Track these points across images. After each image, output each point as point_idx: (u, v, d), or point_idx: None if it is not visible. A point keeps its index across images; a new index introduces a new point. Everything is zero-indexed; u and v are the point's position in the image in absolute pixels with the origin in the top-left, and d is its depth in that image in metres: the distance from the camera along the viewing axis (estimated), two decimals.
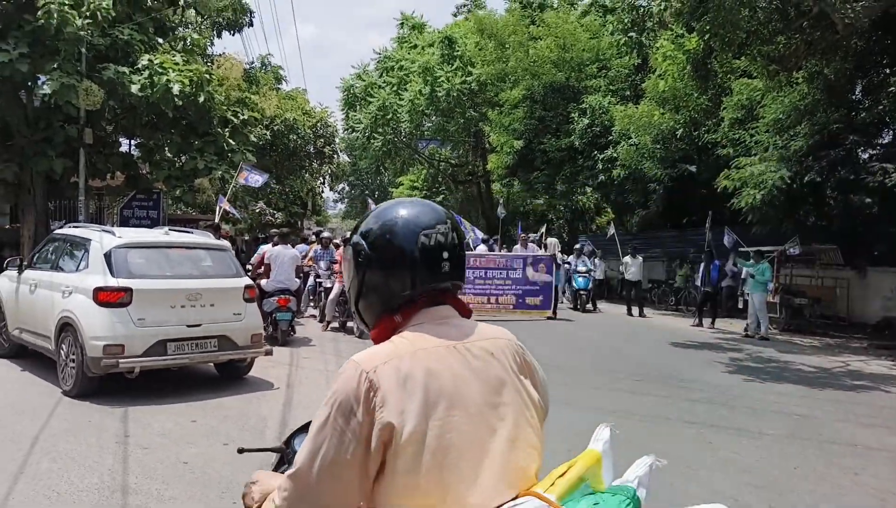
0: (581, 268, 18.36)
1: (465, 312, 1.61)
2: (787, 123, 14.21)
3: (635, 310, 17.46)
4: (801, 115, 13.96)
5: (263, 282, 10.65)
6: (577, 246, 20.63)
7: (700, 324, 15.36)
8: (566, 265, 18.80)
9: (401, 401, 1.32)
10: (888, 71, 13.55)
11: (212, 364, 7.84)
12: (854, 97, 14.68)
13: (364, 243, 1.54)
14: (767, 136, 14.57)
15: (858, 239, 15.24)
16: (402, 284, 1.50)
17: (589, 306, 18.27)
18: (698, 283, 16.02)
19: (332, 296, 12.13)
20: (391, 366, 1.37)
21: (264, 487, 1.67)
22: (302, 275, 14.66)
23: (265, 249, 11.84)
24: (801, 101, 13.97)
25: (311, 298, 14.29)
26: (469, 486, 1.32)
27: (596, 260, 20.59)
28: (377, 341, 1.52)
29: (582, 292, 18.19)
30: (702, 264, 15.66)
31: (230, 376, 7.84)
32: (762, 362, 10.73)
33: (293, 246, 13.07)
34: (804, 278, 15.76)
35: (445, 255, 1.51)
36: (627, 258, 17.82)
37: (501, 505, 1.30)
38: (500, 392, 1.44)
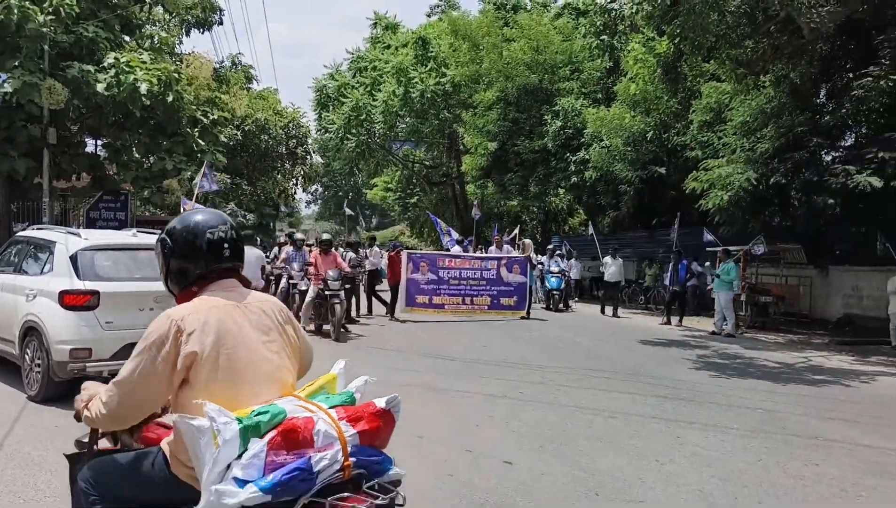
0: (554, 268, 18.51)
1: (246, 284, 2.38)
2: (754, 126, 14.50)
3: (609, 310, 17.54)
4: (768, 118, 14.25)
5: None
6: (550, 246, 20.76)
7: (668, 322, 15.60)
8: (539, 266, 18.94)
9: (200, 338, 2.06)
10: (851, 75, 13.87)
11: None
12: (818, 101, 15.02)
13: (169, 239, 2.34)
14: (735, 138, 14.85)
15: (821, 239, 15.60)
16: (195, 265, 2.28)
17: (561, 305, 18.40)
18: (667, 282, 16.26)
19: (307, 299, 11.94)
20: (193, 316, 2.11)
21: (91, 392, 2.30)
22: (273, 277, 14.64)
23: None
24: (767, 104, 14.26)
25: (285, 300, 14.14)
26: (248, 391, 2.09)
27: (571, 261, 20.81)
28: (180, 303, 2.25)
29: (555, 292, 18.32)
30: (670, 264, 15.90)
31: None
32: (728, 358, 10.94)
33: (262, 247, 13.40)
34: (769, 276, 16.10)
35: (226, 246, 2.28)
36: (608, 259, 17.84)
37: (269, 401, 2.05)
38: (268, 334, 2.24)
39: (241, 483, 1.81)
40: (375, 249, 16.71)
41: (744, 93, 14.10)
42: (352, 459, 1.98)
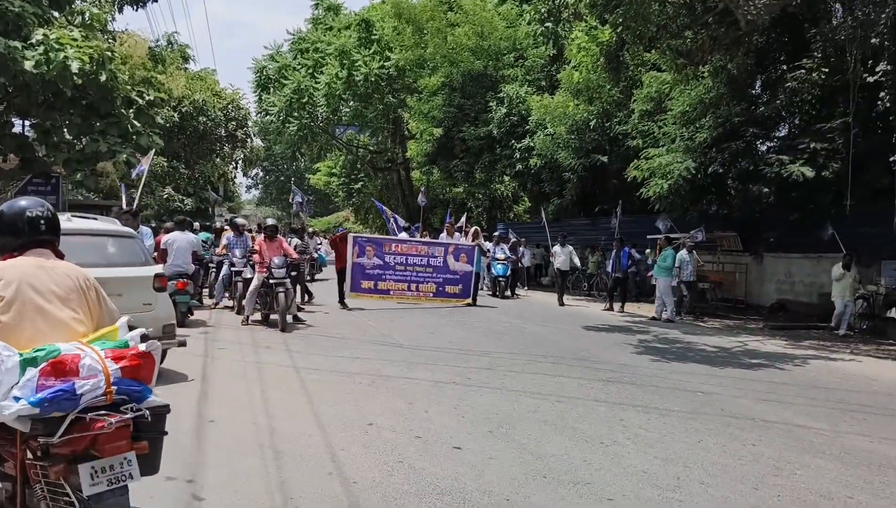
0: (500, 256, 18.57)
1: (59, 256, 2.99)
2: (693, 116, 14.86)
3: (565, 298, 17.37)
4: (706, 108, 14.63)
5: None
6: (496, 233, 20.75)
7: (611, 308, 15.92)
8: (488, 253, 19.02)
9: (6, 286, 2.66)
10: (785, 68, 14.36)
11: None
12: (754, 92, 15.50)
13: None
14: (674, 128, 15.19)
15: (756, 227, 16.16)
16: (17, 237, 2.87)
17: (508, 292, 18.53)
18: (609, 269, 16.58)
19: (251, 288, 11.31)
20: (3, 271, 2.72)
21: None
22: (212, 264, 14.30)
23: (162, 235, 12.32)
24: (706, 94, 14.63)
25: (227, 288, 13.78)
26: (37, 334, 2.64)
27: (522, 248, 20.88)
28: None
29: (501, 279, 18.40)
30: (612, 251, 16.20)
31: None
32: (668, 343, 11.23)
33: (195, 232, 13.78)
34: (707, 263, 16.59)
35: (42, 223, 2.90)
36: (556, 247, 17.78)
37: (53, 343, 2.55)
38: (67, 294, 2.82)
39: (17, 399, 2.40)
40: (315, 238, 16.52)
41: (683, 83, 14.42)
42: (114, 387, 2.55)
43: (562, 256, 17.48)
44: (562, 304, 17.02)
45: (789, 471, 4.92)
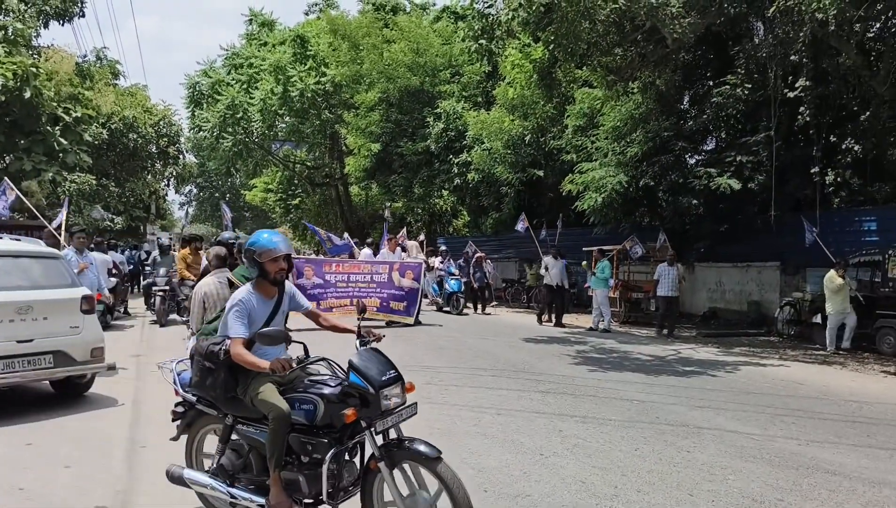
0: (454, 271, 18.13)
1: None
2: (624, 131, 15.28)
3: (547, 316, 15.93)
4: (636, 123, 15.06)
5: None
6: (443, 249, 20.18)
7: (550, 320, 16.07)
8: (440, 269, 18.48)
9: None
10: (711, 83, 14.94)
11: (47, 382, 7.20)
12: (682, 107, 16.07)
13: None
14: (607, 142, 15.58)
15: (687, 237, 16.68)
16: None
17: (467, 308, 17.94)
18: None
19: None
20: None
21: None
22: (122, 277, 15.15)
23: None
24: (636, 110, 15.07)
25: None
26: None
27: (489, 263, 19.92)
28: None
29: (458, 296, 17.62)
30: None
31: (69, 394, 7.22)
32: (605, 352, 11.42)
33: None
34: (641, 273, 17.00)
35: None
36: (548, 260, 15.89)
37: None
38: None
39: None
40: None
41: (614, 99, 14.80)
42: None
43: (554, 269, 15.67)
44: (559, 324, 15.47)
45: (722, 476, 5.04)
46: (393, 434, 3.63)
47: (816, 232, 13.13)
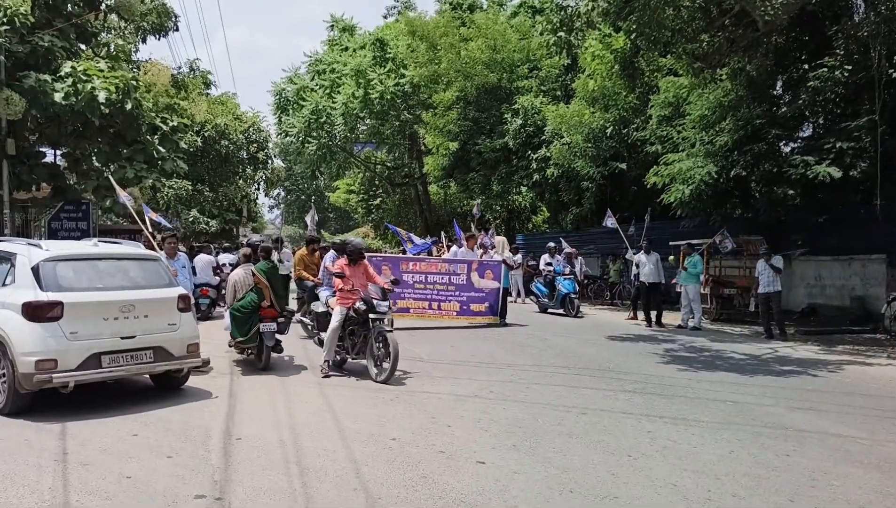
0: (565, 270, 16.85)
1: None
2: (713, 120, 14.65)
3: (644, 314, 14.99)
4: (726, 111, 14.41)
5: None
6: (551, 245, 18.49)
7: (635, 317, 15.65)
8: (548, 267, 17.37)
9: None
10: (807, 67, 14.11)
11: (147, 376, 7.61)
12: (775, 93, 15.25)
13: None
14: (694, 132, 14.99)
15: (782, 230, 15.85)
16: None
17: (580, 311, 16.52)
18: (632, 277, 16.32)
19: (334, 325, 8.57)
20: None
21: None
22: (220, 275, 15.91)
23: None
24: (725, 97, 14.43)
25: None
26: None
27: (580, 259, 19.16)
28: None
29: (573, 296, 16.38)
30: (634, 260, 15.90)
31: (167, 387, 7.64)
32: (695, 351, 11.00)
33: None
34: (733, 268, 16.29)
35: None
36: (641, 256, 14.94)
37: None
38: None
39: None
40: (286, 250, 15.92)
41: (701, 87, 14.25)
42: None
43: (648, 265, 14.72)
44: (659, 323, 14.61)
45: (825, 482, 4.74)
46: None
47: None
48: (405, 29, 27.71)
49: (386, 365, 8.07)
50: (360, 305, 8.47)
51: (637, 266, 15.02)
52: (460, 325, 13.83)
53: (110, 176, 12.11)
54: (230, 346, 9.41)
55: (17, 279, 6.77)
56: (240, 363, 9.37)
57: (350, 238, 9.66)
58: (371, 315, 8.37)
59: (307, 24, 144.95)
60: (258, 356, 9.08)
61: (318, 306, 9.66)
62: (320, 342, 9.16)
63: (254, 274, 8.94)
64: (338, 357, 8.78)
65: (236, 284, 8.97)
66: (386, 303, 8.60)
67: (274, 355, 9.01)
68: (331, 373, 8.50)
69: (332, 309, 8.86)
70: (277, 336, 8.98)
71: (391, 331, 8.32)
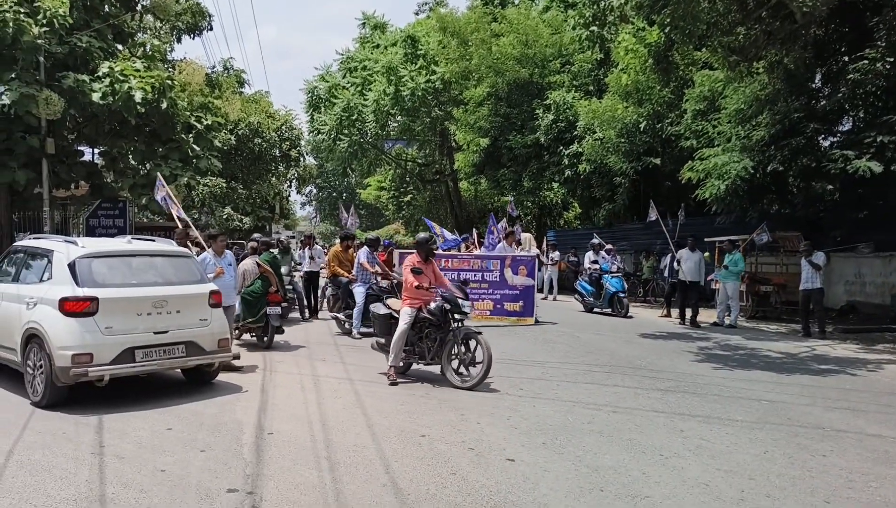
0: (613, 268, 16.25)
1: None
2: (749, 114, 14.36)
3: (684, 313, 14.52)
4: (763, 105, 14.12)
5: None
6: (595, 241, 17.81)
7: (668, 314, 15.46)
8: (594, 265, 16.89)
9: None
10: (847, 59, 13.73)
11: (179, 370, 7.79)
12: (814, 86, 14.88)
13: None
14: (730, 126, 14.72)
15: (821, 226, 15.50)
16: None
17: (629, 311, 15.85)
18: (665, 274, 16.11)
19: (402, 327, 8.01)
20: None
21: None
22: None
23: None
24: (761, 91, 14.13)
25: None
26: None
27: (617, 257, 18.05)
28: None
29: (621, 295, 15.78)
30: (668, 256, 15.71)
31: (198, 381, 7.82)
32: (730, 349, 10.84)
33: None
34: (769, 265, 15.98)
35: None
36: (683, 252, 14.46)
37: None
38: None
39: None
40: (317, 247, 16.09)
41: (737, 80, 13.95)
42: None
43: (689, 262, 14.24)
44: (694, 323, 14.05)
45: (863, 483, 4.64)
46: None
47: None
48: (436, 25, 27.68)
49: (473, 370, 7.64)
50: (437, 305, 7.89)
51: (678, 262, 14.58)
52: (494, 325, 13.35)
53: (159, 175, 12.30)
54: (235, 329, 9.73)
55: (55, 275, 6.99)
56: (244, 345, 9.92)
57: (420, 235, 8.96)
58: (456, 316, 7.85)
59: (339, 21, 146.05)
60: (261, 337, 10.29)
61: (379, 309, 8.75)
62: (381, 348, 8.57)
63: (259, 264, 10.15)
64: (401, 363, 8.22)
65: (245, 272, 10.01)
66: (469, 303, 8.09)
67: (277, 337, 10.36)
68: (399, 380, 7.94)
69: (392, 310, 8.46)
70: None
71: (480, 332, 7.74)
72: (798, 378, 8.41)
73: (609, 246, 17.61)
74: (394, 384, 7.81)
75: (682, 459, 5.13)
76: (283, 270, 13.29)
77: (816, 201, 13.96)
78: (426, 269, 8.25)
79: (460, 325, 7.87)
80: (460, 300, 7.87)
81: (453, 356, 7.86)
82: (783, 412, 6.63)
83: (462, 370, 7.79)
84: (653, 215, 16.17)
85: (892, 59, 12.21)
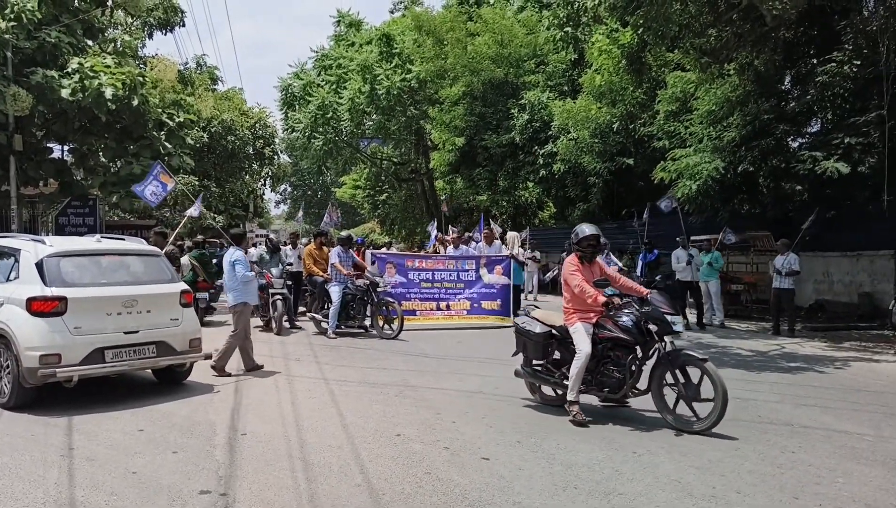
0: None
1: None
2: (720, 115, 14.57)
3: (690, 317, 14.07)
4: (733, 106, 14.33)
5: None
6: (602, 240, 17.73)
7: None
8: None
9: None
10: (815, 62, 14.00)
11: (150, 371, 7.68)
12: (783, 88, 15.14)
13: None
14: (701, 127, 14.91)
15: (790, 225, 15.75)
16: None
17: None
18: (638, 273, 16.24)
19: (583, 358, 6.19)
20: None
21: None
22: None
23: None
24: (732, 92, 14.34)
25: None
26: None
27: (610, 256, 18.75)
28: None
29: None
30: (640, 255, 15.85)
31: (170, 381, 7.72)
32: (702, 347, 10.94)
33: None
34: (740, 264, 16.21)
35: None
36: (679, 252, 14.28)
37: None
38: None
39: None
40: (301, 247, 15.11)
41: (709, 82, 14.15)
42: None
43: (682, 262, 14.05)
44: (699, 324, 13.73)
45: (831, 479, 4.72)
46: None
47: None
48: (412, 24, 27.64)
49: (700, 408, 5.80)
50: (632, 320, 6.05)
51: (678, 262, 14.18)
52: (474, 325, 13.24)
53: (194, 190, 12.19)
54: None
55: (22, 275, 6.84)
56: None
57: (584, 227, 6.74)
58: (666, 338, 5.97)
59: (314, 18, 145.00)
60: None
61: (533, 325, 6.78)
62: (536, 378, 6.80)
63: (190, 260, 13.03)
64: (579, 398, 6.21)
65: (184, 267, 12.77)
66: (680, 317, 6.67)
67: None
68: (587, 420, 6.09)
69: (546, 324, 6.67)
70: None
71: (707, 359, 5.87)
72: (768, 376, 8.55)
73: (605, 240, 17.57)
74: (583, 424, 6.01)
75: (654, 456, 5.18)
76: (275, 271, 12.60)
77: (786, 200, 14.20)
78: (587, 272, 6.44)
79: (674, 351, 5.98)
80: (669, 317, 5.93)
81: (664, 385, 6.05)
82: (753, 409, 6.73)
83: (689, 406, 5.89)
84: (665, 204, 16.24)
85: (858, 62, 12.48)
